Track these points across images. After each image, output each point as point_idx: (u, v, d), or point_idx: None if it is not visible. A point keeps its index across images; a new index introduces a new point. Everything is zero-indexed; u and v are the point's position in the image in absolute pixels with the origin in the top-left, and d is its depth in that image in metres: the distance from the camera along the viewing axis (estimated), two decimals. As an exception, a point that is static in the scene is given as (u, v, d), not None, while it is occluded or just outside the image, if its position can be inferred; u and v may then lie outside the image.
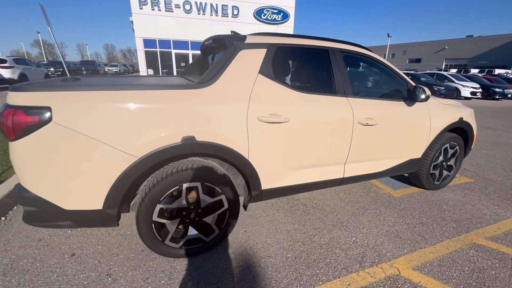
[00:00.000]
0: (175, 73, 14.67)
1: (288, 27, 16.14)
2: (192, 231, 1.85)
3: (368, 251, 2.03)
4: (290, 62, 2.07)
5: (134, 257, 1.90)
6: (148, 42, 13.62)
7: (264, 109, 1.85)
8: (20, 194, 1.47)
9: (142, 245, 2.02)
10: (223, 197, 1.86)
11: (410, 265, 1.90)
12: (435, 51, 50.69)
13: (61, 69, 22.41)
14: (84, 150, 1.44)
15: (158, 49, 13.89)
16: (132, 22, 14.03)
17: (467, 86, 14.66)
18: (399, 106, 2.47)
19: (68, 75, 3.66)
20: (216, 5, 14.06)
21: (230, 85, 1.78)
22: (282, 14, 15.63)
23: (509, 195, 3.05)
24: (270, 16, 15.43)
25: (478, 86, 14.93)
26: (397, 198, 2.92)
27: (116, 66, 35.46)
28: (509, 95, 15.75)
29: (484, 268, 1.88)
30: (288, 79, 2.00)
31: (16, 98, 1.35)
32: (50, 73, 16.95)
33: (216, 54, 2.55)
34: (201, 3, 13.76)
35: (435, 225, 2.40)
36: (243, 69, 1.84)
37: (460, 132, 3.01)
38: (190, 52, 14.59)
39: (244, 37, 1.94)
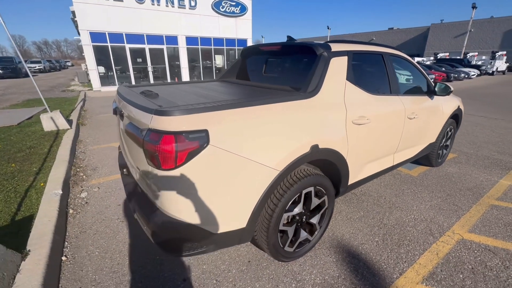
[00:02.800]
0: (130, 70, 13.34)
1: (246, 20, 16.13)
2: (303, 233, 1.95)
3: (430, 224, 2.44)
4: (360, 67, 2.26)
5: (247, 269, 1.91)
6: (96, 36, 11.96)
7: (355, 112, 2.03)
8: (168, 225, 1.36)
9: (245, 257, 2.03)
10: (325, 197, 2.00)
11: (465, 229, 2.37)
12: (365, 42, 56.85)
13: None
14: (236, 170, 1.41)
15: (109, 44, 12.33)
16: (73, 12, 12.09)
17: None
18: (426, 100, 2.92)
19: None
20: (171, -5, 13.12)
21: (331, 93, 1.90)
22: (240, 6, 15.50)
23: (487, 164, 3.90)
24: (228, 9, 15.14)
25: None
26: (417, 177, 3.46)
27: (39, 62, 30.02)
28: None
29: (511, 221, 2.47)
30: (361, 83, 2.19)
31: (173, 123, 1.23)
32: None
33: (277, 59, 2.56)
34: (153, -7, 12.66)
35: (458, 195, 2.98)
36: (337, 77, 1.97)
37: (455, 117, 3.69)
38: (147, 47, 13.38)
39: (329, 45, 2.05)
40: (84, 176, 3.39)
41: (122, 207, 2.69)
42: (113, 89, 12.99)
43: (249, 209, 1.52)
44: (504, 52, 27.52)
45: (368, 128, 2.16)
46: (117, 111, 2.02)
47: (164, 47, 13.91)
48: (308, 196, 1.85)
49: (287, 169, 1.58)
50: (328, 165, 1.98)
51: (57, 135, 4.95)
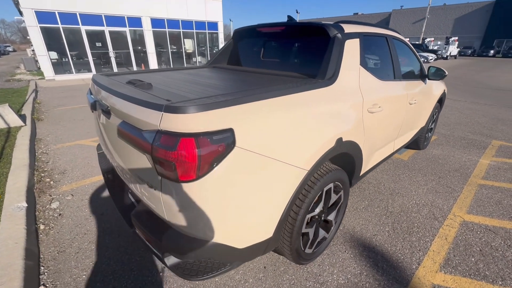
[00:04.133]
0: (89, 56, 11.92)
1: (216, 1, 15.20)
2: (321, 232, 1.83)
3: (432, 208, 2.48)
4: (369, 50, 2.11)
5: (264, 276, 1.75)
6: (43, 16, 10.32)
7: (369, 100, 1.89)
8: (186, 246, 1.12)
9: (259, 262, 1.86)
10: (342, 192, 1.88)
11: (463, 211, 2.45)
12: (333, 27, 57.94)
13: None
14: (264, 174, 1.19)
15: (60, 25, 10.76)
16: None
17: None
18: (421, 84, 2.91)
19: None
20: (130, -30, 11.74)
21: (348, 79, 1.73)
22: (208, -14, 14.50)
23: (464, 144, 4.14)
24: (196, -12, 14.08)
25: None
26: (408, 161, 3.54)
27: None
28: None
29: (500, 199, 2.61)
30: (370, 68, 2.06)
31: (192, 122, 0.96)
32: None
33: (281, 41, 2.30)
34: (109, -33, 11.19)
35: (449, 177, 3.09)
36: (352, 61, 1.80)
37: (439, 100, 3.80)
38: (107, 29, 11.97)
39: (341, 26, 1.86)
40: (51, 182, 2.90)
41: (108, 217, 2.32)
42: (69, 77, 11.57)
43: (277, 216, 1.32)
44: (456, 38, 29.89)
45: (379, 116, 2.06)
46: (96, 106, 1.64)
47: (127, 29, 12.60)
48: (328, 193, 1.71)
49: (314, 168, 1.41)
50: (345, 158, 1.85)
51: (9, 134, 4.20)
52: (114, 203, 1.74)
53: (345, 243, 2.04)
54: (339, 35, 1.77)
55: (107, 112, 1.39)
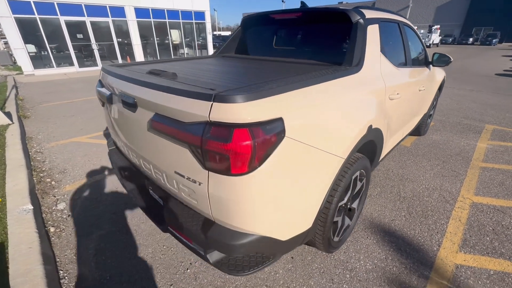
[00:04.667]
0: (70, 49, 11.27)
1: (202, -10, 14.69)
2: (347, 220, 1.84)
3: (441, 192, 2.56)
4: (386, 37, 2.09)
5: (293, 267, 1.75)
6: (17, 6, 9.57)
7: (390, 87, 1.89)
8: (234, 241, 1.08)
9: (286, 254, 1.84)
10: (364, 179, 1.89)
11: (471, 193, 2.54)
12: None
13: None
14: (309, 164, 1.16)
15: (37, 16, 10.04)
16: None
17: None
18: (426, 71, 2.95)
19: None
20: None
21: (372, 66, 1.71)
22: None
23: (460, 129, 4.28)
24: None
25: None
26: (411, 147, 3.62)
27: None
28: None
29: (503, 181, 2.73)
30: (388, 54, 2.04)
31: (245, 111, 0.91)
32: None
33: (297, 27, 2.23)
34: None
35: (452, 161, 3.19)
36: (374, 48, 1.78)
37: (439, 87, 3.88)
38: (88, 20, 11.30)
39: (362, 11, 1.82)
40: (53, 182, 2.75)
41: (121, 215, 2.23)
42: (50, 72, 10.93)
43: (317, 207, 1.31)
44: (438, 26, 30.64)
45: (397, 103, 2.07)
46: (112, 99, 1.54)
47: (109, 20, 11.97)
48: (354, 181, 1.71)
49: (349, 156, 1.40)
50: (368, 146, 1.85)
51: (-5, 133, 3.93)
52: (136, 201, 1.67)
53: (366, 230, 2.07)
54: (361, 20, 1.73)
55: (131, 105, 1.30)
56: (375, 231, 2.06)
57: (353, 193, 1.77)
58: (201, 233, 1.14)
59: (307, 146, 1.12)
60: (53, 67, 11.03)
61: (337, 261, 1.79)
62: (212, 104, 0.92)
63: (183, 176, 1.12)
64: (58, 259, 1.81)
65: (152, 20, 13.40)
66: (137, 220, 2.18)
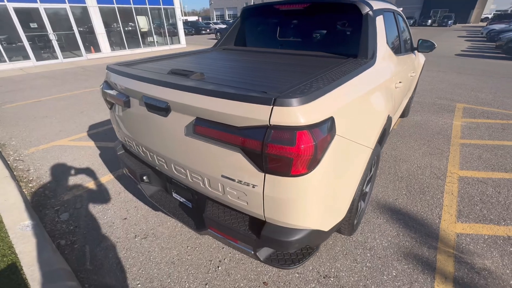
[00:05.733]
0: (24, 40, 10.04)
1: (168, -28, 13.70)
2: (362, 204, 1.97)
3: (432, 169, 2.81)
4: (387, 26, 2.17)
5: (319, 253, 1.86)
6: (-48, -10, 8.19)
7: (394, 76, 2.00)
8: (287, 238, 1.12)
9: (308, 239, 1.95)
10: (375, 164, 2.02)
11: (456, 168, 2.83)
12: None
13: None
14: (350, 158, 1.23)
15: (-22, 3, 8.71)
16: None
17: None
18: (412, 56, 3.13)
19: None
20: None
21: (383, 57, 1.79)
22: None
23: (436, 109, 4.65)
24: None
25: None
26: (398, 129, 3.87)
27: None
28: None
29: (480, 154, 3.06)
30: (390, 44, 2.13)
31: (305, 114, 0.92)
32: None
33: (301, 18, 2.21)
34: None
35: (435, 140, 3.49)
36: (382, 38, 1.85)
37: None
38: (41, 6, 10.05)
39: (369, 2, 1.87)
40: (46, 192, 2.54)
41: (133, 221, 2.16)
42: (3, 67, 9.70)
43: (351, 196, 1.39)
44: (401, 9, 32.01)
45: (400, 91, 2.20)
46: (130, 103, 1.46)
47: (67, 6, 10.78)
48: (370, 167, 1.82)
49: (376, 146, 1.48)
50: (382, 133, 1.95)
51: (-42, 142, 3.47)
52: (159, 205, 1.63)
53: (375, 211, 2.24)
54: (370, 12, 1.78)
55: (162, 109, 1.24)
56: (383, 210, 2.23)
57: (369, 178, 1.89)
58: (251, 233, 1.17)
59: (349, 141, 1.18)
60: (5, 61, 9.79)
61: (356, 242, 1.93)
62: (272, 108, 0.92)
63: (232, 180, 1.12)
64: (78, 273, 1.73)
65: (116, 5, 12.32)
66: (153, 223, 2.13)
